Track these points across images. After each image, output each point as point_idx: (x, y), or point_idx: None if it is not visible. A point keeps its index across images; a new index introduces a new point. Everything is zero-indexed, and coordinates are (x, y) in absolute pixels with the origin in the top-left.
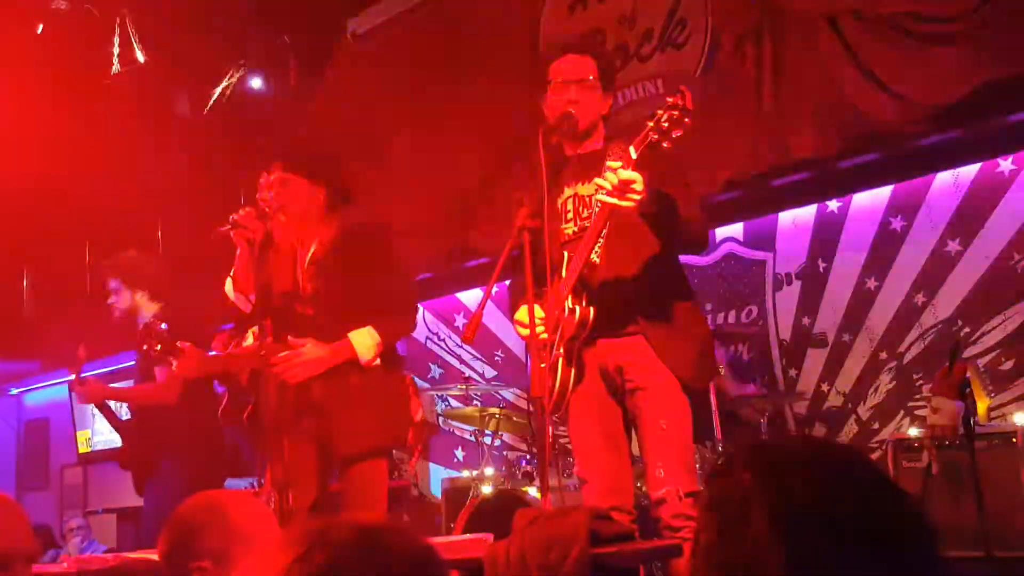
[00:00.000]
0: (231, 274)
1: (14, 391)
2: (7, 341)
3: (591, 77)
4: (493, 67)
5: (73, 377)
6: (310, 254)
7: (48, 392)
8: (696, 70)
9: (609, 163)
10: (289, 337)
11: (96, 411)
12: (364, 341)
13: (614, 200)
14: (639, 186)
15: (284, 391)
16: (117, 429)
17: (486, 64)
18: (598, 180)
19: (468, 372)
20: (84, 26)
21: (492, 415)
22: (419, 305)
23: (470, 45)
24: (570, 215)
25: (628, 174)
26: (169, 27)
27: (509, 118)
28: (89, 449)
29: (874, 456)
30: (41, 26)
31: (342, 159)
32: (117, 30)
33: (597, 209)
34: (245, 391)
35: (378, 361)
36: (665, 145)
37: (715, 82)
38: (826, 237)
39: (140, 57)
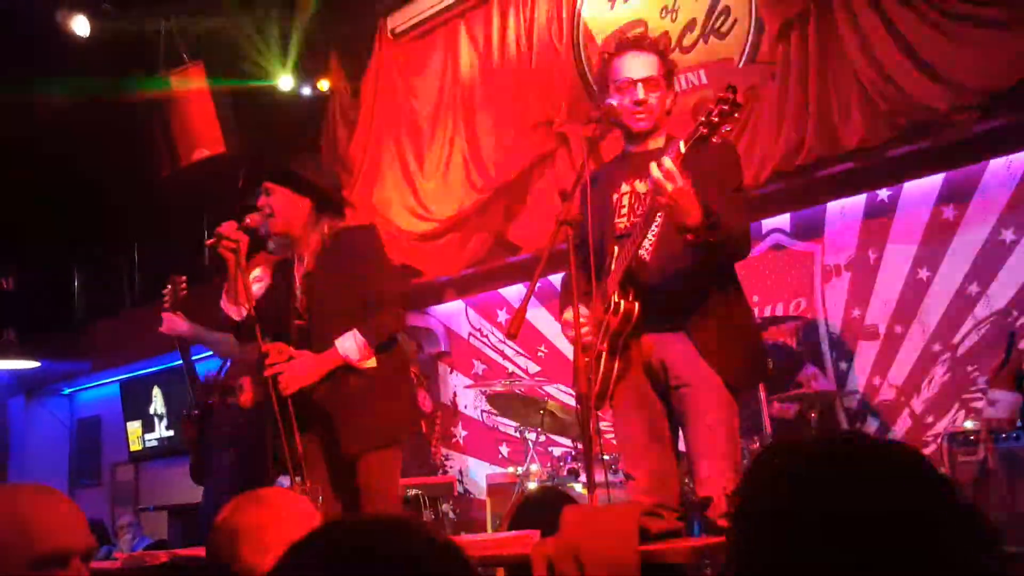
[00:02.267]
0: (224, 287)
1: (67, 391)
2: (58, 342)
3: (658, 75)
4: (533, 60)
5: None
6: (304, 267)
7: (99, 391)
8: (740, 59)
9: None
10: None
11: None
12: (349, 345)
13: (663, 188)
14: (669, 185)
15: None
16: (189, 375)
17: (525, 58)
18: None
19: (511, 368)
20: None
21: (539, 410)
22: (405, 299)
23: (508, 39)
24: (624, 210)
25: (671, 167)
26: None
27: (549, 111)
28: (140, 447)
29: (928, 450)
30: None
31: (370, 154)
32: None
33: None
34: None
35: (373, 361)
36: (714, 140)
37: (759, 71)
38: (876, 227)
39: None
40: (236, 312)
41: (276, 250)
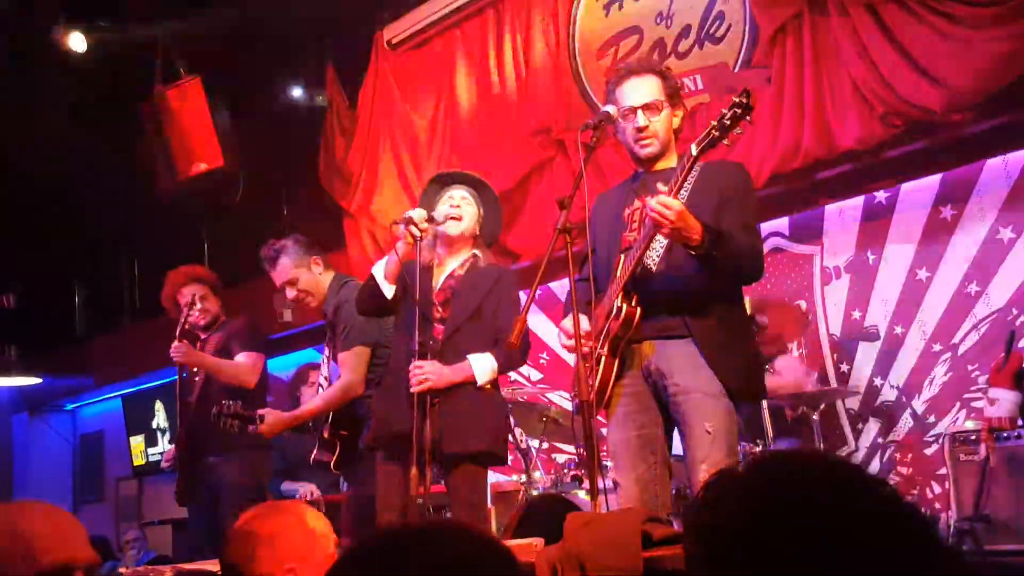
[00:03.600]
0: (385, 261)
1: (69, 406)
2: (60, 358)
3: (657, 100)
4: (528, 68)
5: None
6: (447, 270)
7: (102, 406)
8: (735, 64)
9: (660, 186)
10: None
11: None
12: (483, 365)
13: (657, 217)
14: (672, 213)
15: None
16: (181, 402)
17: (521, 66)
18: (649, 202)
19: (513, 375)
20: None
21: (541, 418)
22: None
23: (504, 48)
24: (635, 225)
25: (665, 199)
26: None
27: (546, 119)
28: (144, 461)
29: (930, 450)
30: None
31: (367, 165)
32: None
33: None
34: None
35: (489, 386)
36: (725, 142)
37: (755, 75)
38: (875, 228)
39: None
40: (389, 290)
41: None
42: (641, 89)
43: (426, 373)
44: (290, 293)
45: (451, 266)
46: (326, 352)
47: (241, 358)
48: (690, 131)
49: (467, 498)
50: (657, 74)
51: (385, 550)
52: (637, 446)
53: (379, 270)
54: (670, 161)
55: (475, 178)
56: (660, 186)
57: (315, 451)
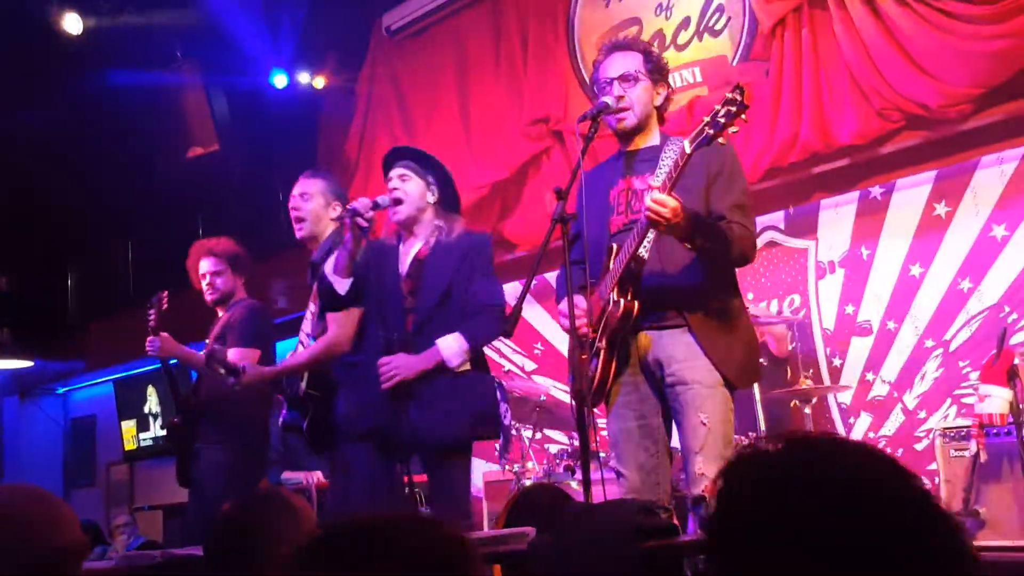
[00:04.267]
0: (335, 256)
1: (60, 390)
2: (53, 341)
3: (636, 71)
4: (527, 58)
5: (152, 322)
6: (414, 252)
7: (94, 390)
8: (734, 56)
9: (651, 182)
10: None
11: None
12: (452, 347)
13: (653, 216)
14: (667, 211)
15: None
16: (175, 398)
17: (520, 55)
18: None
19: (507, 366)
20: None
21: (534, 408)
22: (506, 312)
23: (504, 37)
24: (622, 208)
25: (660, 196)
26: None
27: (543, 109)
28: (135, 446)
29: (920, 445)
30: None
31: (365, 152)
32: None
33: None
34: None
35: (467, 366)
36: (721, 141)
37: (753, 68)
38: (869, 224)
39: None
40: (343, 286)
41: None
42: (621, 62)
43: (393, 368)
44: (298, 206)
45: (416, 245)
46: (311, 307)
47: (231, 353)
48: (689, 123)
49: (449, 491)
50: (640, 51)
51: (345, 541)
52: (638, 436)
53: (330, 266)
54: (651, 138)
55: (411, 150)
56: (653, 181)
57: (284, 412)
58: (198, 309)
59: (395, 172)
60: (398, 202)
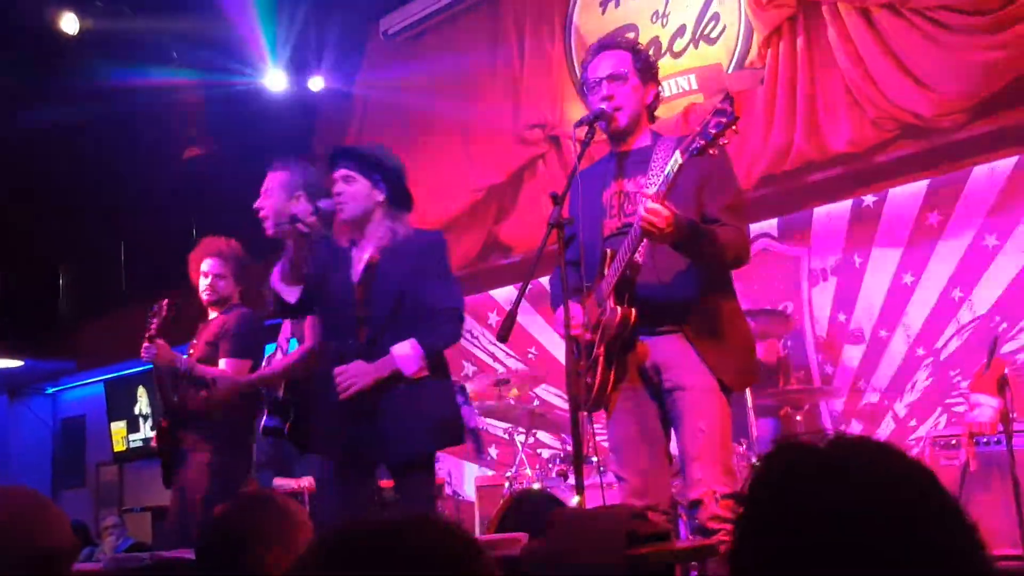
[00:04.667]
0: (279, 265)
1: (50, 390)
2: (43, 341)
3: (625, 71)
4: (524, 63)
5: (152, 330)
6: (365, 257)
7: (84, 391)
8: (729, 64)
9: (645, 190)
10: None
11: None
12: (407, 354)
13: (647, 226)
14: (661, 221)
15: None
16: (166, 404)
17: (517, 60)
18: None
19: (502, 370)
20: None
21: (528, 413)
22: (464, 314)
23: (501, 42)
24: (614, 211)
25: (653, 206)
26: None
27: (540, 114)
28: (125, 447)
29: (911, 454)
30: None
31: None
32: None
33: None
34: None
35: (425, 372)
36: (712, 152)
37: (748, 76)
38: (862, 232)
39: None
40: (290, 295)
41: (337, 238)
42: (610, 62)
43: (349, 378)
44: (260, 204)
45: (367, 250)
46: None
47: (223, 364)
48: (684, 130)
49: (413, 502)
50: (628, 49)
51: (356, 543)
52: (638, 440)
53: (275, 275)
54: (642, 138)
55: (354, 149)
56: (647, 189)
57: (264, 418)
58: (186, 310)
59: (338, 173)
60: (342, 204)
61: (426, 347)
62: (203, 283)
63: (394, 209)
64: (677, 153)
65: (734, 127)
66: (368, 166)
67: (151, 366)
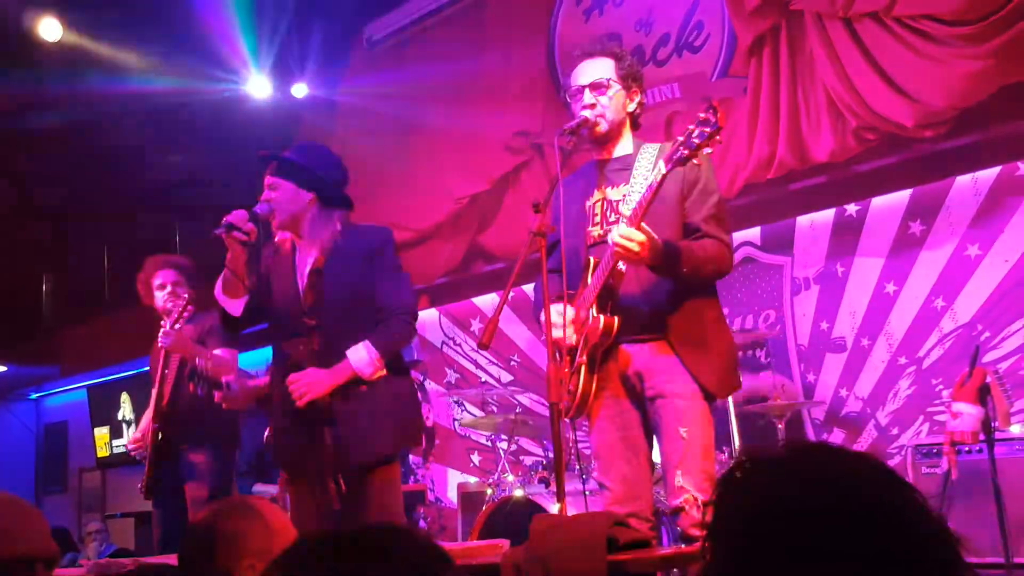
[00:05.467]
0: (221, 276)
1: (33, 395)
2: (27, 346)
3: (607, 78)
4: (508, 72)
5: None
6: (310, 262)
7: (67, 396)
8: (713, 73)
9: (621, 209)
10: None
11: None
12: (362, 358)
13: (620, 252)
14: (635, 246)
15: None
16: (160, 399)
17: (501, 69)
18: (611, 234)
19: (484, 377)
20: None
21: (510, 420)
22: (418, 312)
23: (485, 50)
24: (598, 218)
25: (627, 231)
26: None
27: (524, 122)
28: (108, 453)
29: (893, 462)
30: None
31: (346, 162)
32: None
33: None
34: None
35: (382, 372)
36: (696, 161)
37: (732, 85)
38: (844, 241)
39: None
40: (234, 307)
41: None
42: (592, 69)
43: (303, 386)
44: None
45: (311, 254)
46: None
47: (220, 353)
48: (667, 139)
49: (379, 502)
50: (611, 56)
51: (326, 549)
52: (621, 448)
53: (218, 288)
54: (624, 145)
55: (276, 156)
56: (623, 208)
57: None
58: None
59: (266, 180)
60: (272, 210)
61: (381, 348)
62: (160, 296)
63: (327, 208)
64: (661, 163)
65: (718, 137)
66: (290, 170)
67: (134, 371)
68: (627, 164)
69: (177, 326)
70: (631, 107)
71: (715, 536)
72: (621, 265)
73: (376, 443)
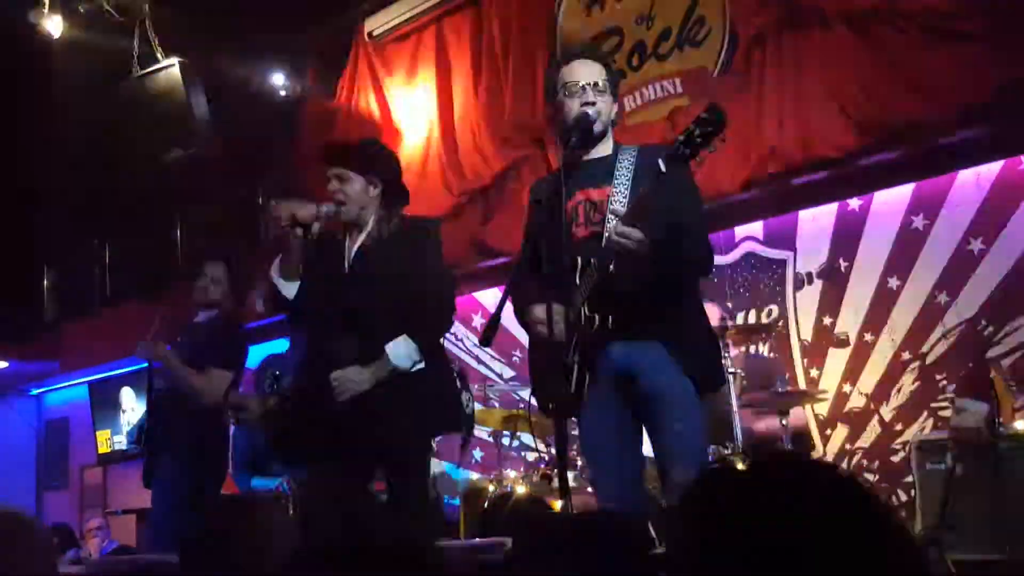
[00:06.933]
0: (278, 260)
1: (34, 391)
2: (27, 342)
3: (603, 81)
4: (510, 66)
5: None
6: (358, 244)
7: (68, 392)
8: (714, 68)
9: (614, 205)
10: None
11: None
12: (400, 352)
13: (620, 249)
14: (633, 244)
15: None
16: (149, 404)
17: (503, 63)
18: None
19: (486, 372)
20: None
21: (514, 417)
22: (455, 302)
23: (487, 44)
24: (580, 219)
25: (625, 229)
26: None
27: (526, 117)
28: (109, 449)
29: (896, 458)
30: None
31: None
32: (137, 30)
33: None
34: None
35: (422, 364)
36: (699, 159)
37: (734, 80)
38: (847, 236)
39: (159, 57)
40: (290, 289)
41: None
42: (590, 69)
43: (346, 383)
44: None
45: (359, 240)
46: None
47: (211, 373)
48: (669, 134)
49: (412, 495)
50: (602, 63)
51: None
52: (614, 446)
53: (276, 270)
54: (606, 147)
55: (345, 147)
56: (614, 205)
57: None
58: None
59: (332, 173)
60: (340, 204)
61: (419, 340)
62: (201, 282)
63: (390, 202)
64: (660, 161)
65: (721, 136)
66: (362, 162)
67: (135, 367)
68: (608, 165)
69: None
70: (613, 113)
71: (675, 546)
72: (611, 265)
73: (412, 430)
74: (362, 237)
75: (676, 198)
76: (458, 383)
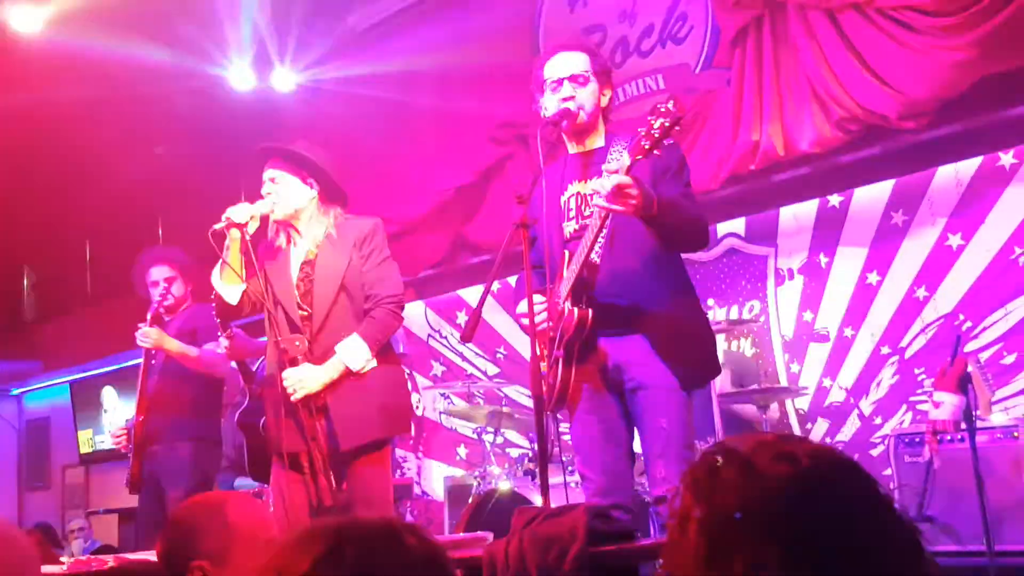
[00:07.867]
0: (219, 265)
1: (15, 391)
2: (8, 341)
3: (584, 72)
4: (493, 63)
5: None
6: (304, 254)
7: (49, 392)
8: (696, 64)
9: (605, 167)
10: (285, 370)
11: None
12: (354, 352)
13: (609, 205)
14: (633, 191)
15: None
16: (141, 393)
17: (486, 60)
18: (593, 184)
19: (470, 369)
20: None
21: (496, 413)
22: (404, 302)
23: (469, 41)
24: (572, 213)
25: (621, 179)
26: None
27: (508, 113)
28: (91, 449)
29: (876, 451)
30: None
31: (337, 156)
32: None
33: (594, 212)
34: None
35: (373, 363)
36: (657, 152)
37: (716, 76)
38: (827, 232)
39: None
40: (231, 294)
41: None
42: (570, 62)
43: (297, 383)
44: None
45: (304, 246)
46: None
47: (212, 347)
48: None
49: (368, 490)
50: (586, 51)
51: (327, 543)
52: (601, 439)
53: (216, 277)
54: (598, 139)
55: (280, 148)
56: (609, 164)
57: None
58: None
59: (267, 174)
60: (274, 203)
61: (370, 340)
62: (157, 292)
63: (327, 203)
64: (625, 154)
65: (678, 126)
66: (296, 163)
67: (117, 366)
68: (601, 158)
69: (155, 326)
70: (604, 101)
71: (687, 520)
72: (595, 256)
73: (366, 429)
74: (303, 240)
75: (668, 181)
76: (409, 384)
